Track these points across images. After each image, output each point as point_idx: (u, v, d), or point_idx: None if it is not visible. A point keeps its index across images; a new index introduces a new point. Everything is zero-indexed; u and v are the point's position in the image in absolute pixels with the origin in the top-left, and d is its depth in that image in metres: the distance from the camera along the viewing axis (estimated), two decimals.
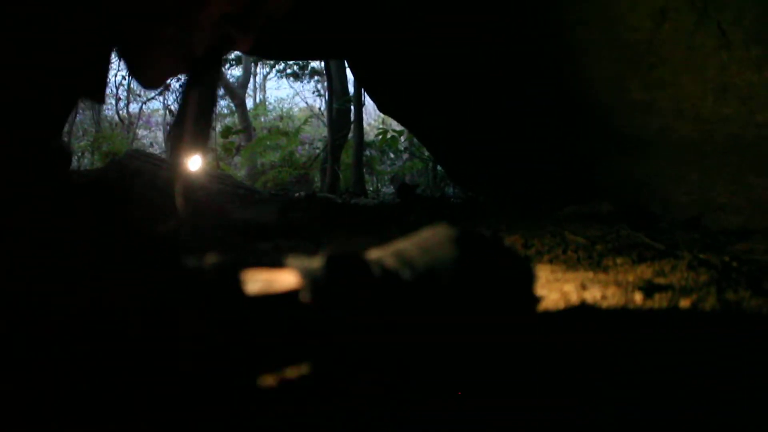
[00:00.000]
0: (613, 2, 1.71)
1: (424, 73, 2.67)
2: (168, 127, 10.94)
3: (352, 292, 0.52)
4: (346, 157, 6.60)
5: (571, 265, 1.17)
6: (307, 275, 0.51)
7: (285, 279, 0.52)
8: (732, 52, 1.53)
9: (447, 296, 0.56)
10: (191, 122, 0.84)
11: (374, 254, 0.57)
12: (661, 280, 0.96)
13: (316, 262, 0.52)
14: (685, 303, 0.79)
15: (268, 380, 0.47)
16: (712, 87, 1.65)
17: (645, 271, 1.06)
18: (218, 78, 0.94)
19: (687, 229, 1.70)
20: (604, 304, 0.81)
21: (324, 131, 7.92)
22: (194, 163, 0.87)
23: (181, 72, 0.82)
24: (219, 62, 0.89)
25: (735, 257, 1.14)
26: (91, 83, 0.74)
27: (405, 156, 7.43)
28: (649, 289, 0.86)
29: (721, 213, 1.77)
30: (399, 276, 0.54)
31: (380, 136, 6.51)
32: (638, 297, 0.83)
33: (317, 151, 8.10)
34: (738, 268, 1.05)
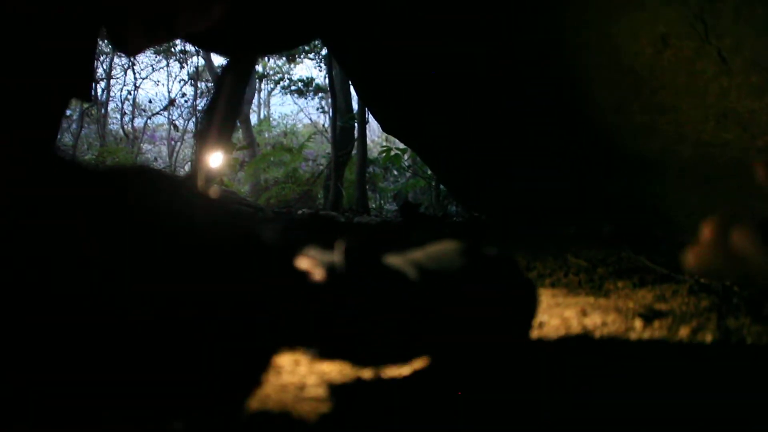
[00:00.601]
0: (615, 29, 1.74)
1: (424, 72, 2.66)
2: (171, 142, 11.02)
3: (364, 279, 0.56)
4: (350, 173, 6.61)
5: (572, 288, 1.17)
6: (324, 262, 0.56)
7: (300, 263, 0.56)
8: (732, 79, 1.55)
9: (450, 297, 0.59)
10: (221, 114, 0.86)
11: (386, 258, 0.61)
12: (661, 306, 0.96)
13: (333, 253, 0.57)
14: (685, 330, 0.80)
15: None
16: (713, 112, 1.66)
17: (646, 296, 1.06)
18: (251, 71, 0.96)
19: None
20: (605, 331, 0.81)
21: (328, 148, 7.94)
22: (216, 159, 0.90)
23: (161, 41, 0.83)
24: (253, 55, 0.91)
25: (736, 281, 1.14)
26: (80, 81, 0.75)
27: (408, 174, 7.45)
28: (649, 315, 0.87)
29: None
30: (406, 275, 0.58)
31: (383, 154, 6.55)
32: (638, 324, 0.84)
33: (321, 167, 8.12)
34: (739, 293, 1.06)
